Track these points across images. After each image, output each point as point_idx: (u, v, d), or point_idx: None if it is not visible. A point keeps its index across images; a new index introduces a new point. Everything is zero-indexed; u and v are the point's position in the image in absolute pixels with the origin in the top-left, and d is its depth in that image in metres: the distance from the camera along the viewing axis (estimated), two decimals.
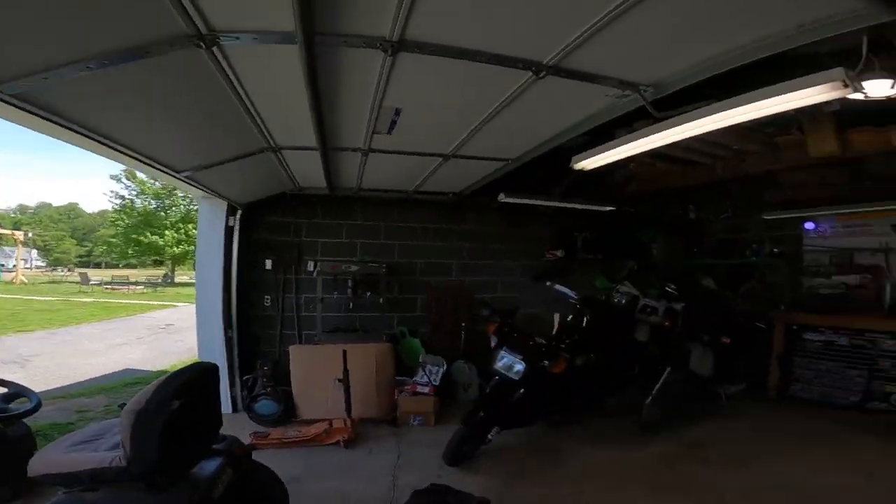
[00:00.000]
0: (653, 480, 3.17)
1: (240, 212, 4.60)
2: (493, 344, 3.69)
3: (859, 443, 3.52)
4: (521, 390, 3.43)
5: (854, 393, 4.14)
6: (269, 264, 4.90)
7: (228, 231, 4.55)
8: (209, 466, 1.97)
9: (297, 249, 5.03)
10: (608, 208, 5.30)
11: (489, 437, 3.45)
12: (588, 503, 2.94)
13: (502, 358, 3.49)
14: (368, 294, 4.93)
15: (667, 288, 4.28)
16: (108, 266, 29.63)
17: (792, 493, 2.85)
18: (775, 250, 5.09)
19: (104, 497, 1.71)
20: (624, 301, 4.03)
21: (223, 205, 4.49)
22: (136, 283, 23.79)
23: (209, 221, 4.55)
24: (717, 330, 4.10)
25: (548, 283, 4.42)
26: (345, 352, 4.03)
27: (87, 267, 34.20)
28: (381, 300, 4.92)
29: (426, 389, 4.39)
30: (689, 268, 5.64)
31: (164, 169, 3.19)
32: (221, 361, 4.28)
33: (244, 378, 4.39)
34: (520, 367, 3.39)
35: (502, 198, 4.59)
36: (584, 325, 3.78)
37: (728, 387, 4.46)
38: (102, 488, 1.73)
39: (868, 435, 3.64)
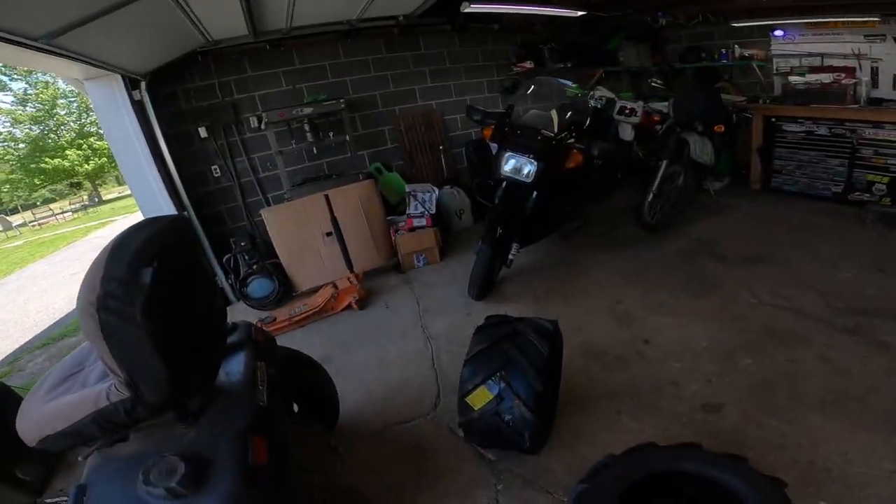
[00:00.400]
0: (681, 281, 3.13)
1: (143, 83, 3.56)
2: (494, 151, 3.33)
3: (855, 236, 3.43)
4: (535, 193, 3.12)
5: (836, 183, 4.10)
6: (203, 132, 4.06)
7: (138, 106, 3.51)
8: (235, 367, 1.50)
9: (231, 109, 4.17)
10: (579, 13, 4.67)
11: (510, 256, 3.24)
12: (630, 312, 2.89)
13: (509, 160, 3.12)
14: (331, 135, 4.27)
15: (653, 82, 4.12)
16: (25, 208, 25.71)
17: (816, 290, 2.75)
18: (745, 54, 4.95)
19: (140, 448, 1.22)
20: (601, 105, 3.72)
21: (118, 80, 3.37)
22: (64, 212, 21.19)
23: (110, 104, 3.43)
24: (709, 119, 3.83)
25: (539, 79, 4.09)
26: (327, 197, 3.53)
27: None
28: (346, 139, 4.27)
29: (423, 221, 4.03)
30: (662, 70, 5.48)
31: (11, 37, 2.02)
32: None
33: (224, 259, 3.86)
34: (530, 167, 3.04)
35: (465, 7, 3.80)
36: (589, 115, 3.48)
37: (714, 182, 4.44)
38: (133, 436, 1.25)
39: (859, 227, 3.57)
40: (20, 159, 21.66)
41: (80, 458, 1.27)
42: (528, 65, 5.23)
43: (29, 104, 21.05)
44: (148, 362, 1.06)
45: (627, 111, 3.58)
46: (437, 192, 4.27)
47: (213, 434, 1.22)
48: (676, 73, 5.45)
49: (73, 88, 11.19)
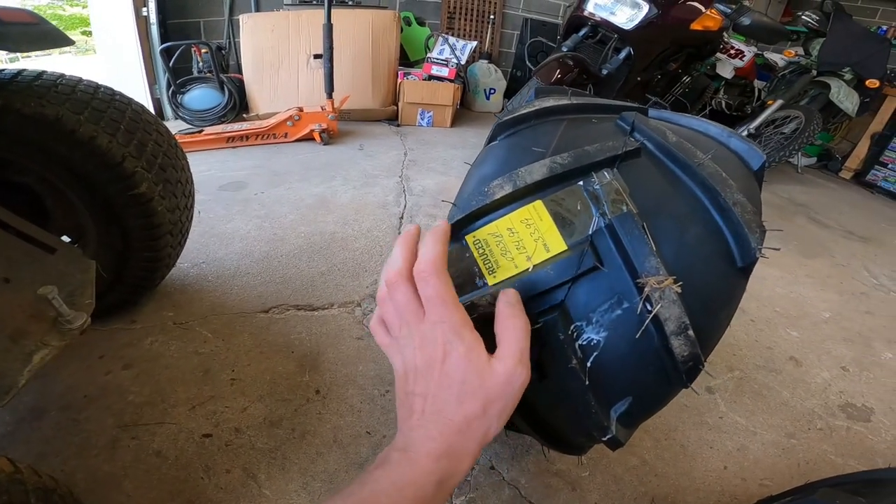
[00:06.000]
0: (782, 235, 2.08)
1: None
2: None
3: None
4: (627, 51, 2.00)
5: None
6: None
7: None
8: None
9: None
10: None
11: None
12: None
13: None
14: None
15: (803, 14, 2.83)
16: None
17: None
18: None
19: None
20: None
21: None
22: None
23: None
24: (866, 69, 2.63)
25: None
26: (329, 10, 2.27)
27: None
28: None
29: (444, 71, 2.81)
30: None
31: None
32: (133, 51, 2.59)
33: (171, 62, 2.54)
34: (638, 9, 1.92)
35: None
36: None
37: (801, 157, 3.37)
38: None
39: None
40: (36, 7, 19.45)
41: None
42: None
43: None
44: None
45: (734, 51, 2.92)
46: (475, 44, 3.07)
47: None
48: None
49: None
